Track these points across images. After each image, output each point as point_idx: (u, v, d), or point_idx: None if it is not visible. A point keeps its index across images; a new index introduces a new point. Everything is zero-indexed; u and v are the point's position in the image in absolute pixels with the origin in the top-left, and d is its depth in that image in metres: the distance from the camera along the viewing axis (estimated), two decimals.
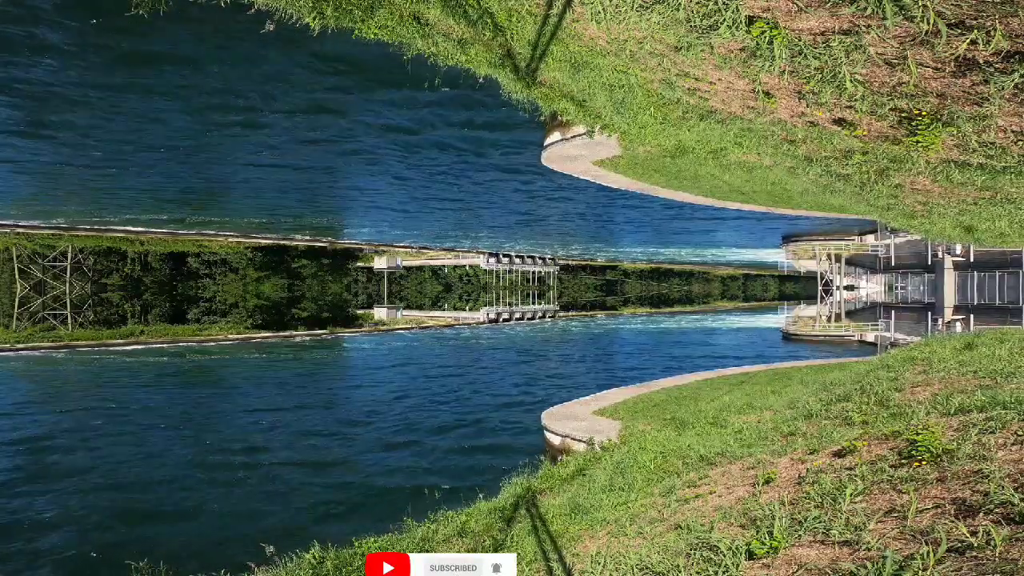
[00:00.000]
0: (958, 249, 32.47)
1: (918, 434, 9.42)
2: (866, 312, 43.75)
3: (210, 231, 42.95)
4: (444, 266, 54.91)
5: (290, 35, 11.07)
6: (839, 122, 9.80)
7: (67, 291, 41.78)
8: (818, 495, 8.74)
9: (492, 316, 53.24)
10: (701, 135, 13.23)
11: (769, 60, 8.06)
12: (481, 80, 12.43)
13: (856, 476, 8.86)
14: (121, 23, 17.96)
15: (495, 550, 11.86)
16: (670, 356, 53.18)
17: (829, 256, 43.33)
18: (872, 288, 44.11)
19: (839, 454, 10.69)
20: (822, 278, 46.03)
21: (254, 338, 46.70)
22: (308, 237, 48.40)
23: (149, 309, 45.48)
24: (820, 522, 7.82)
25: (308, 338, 49.54)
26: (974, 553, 6.13)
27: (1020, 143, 8.51)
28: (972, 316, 31.89)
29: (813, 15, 7.42)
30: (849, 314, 44.51)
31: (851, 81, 7.96)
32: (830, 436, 12.29)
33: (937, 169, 10.59)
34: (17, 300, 40.50)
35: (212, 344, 44.77)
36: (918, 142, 8.77)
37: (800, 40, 7.70)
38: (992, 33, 6.54)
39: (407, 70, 11.97)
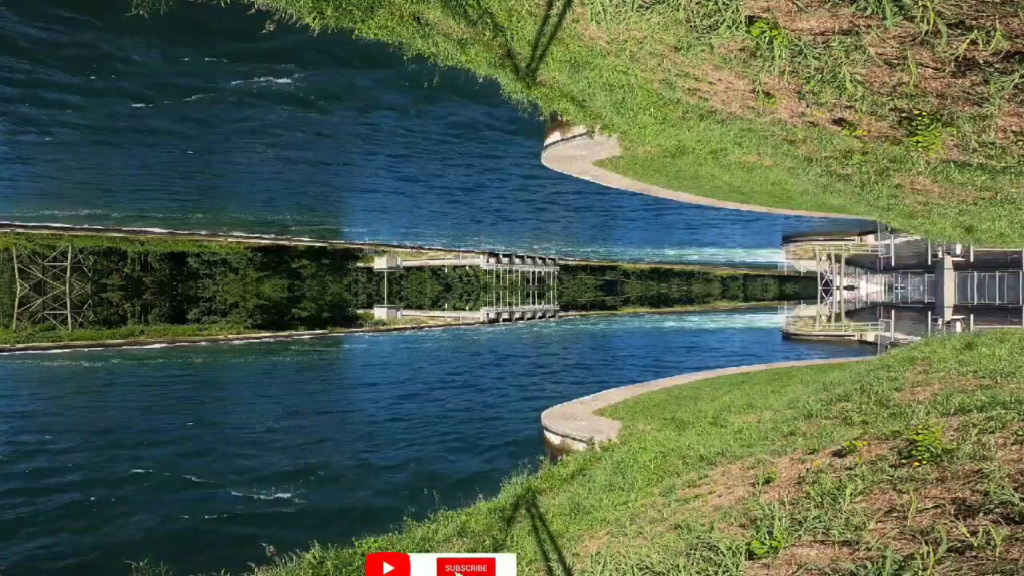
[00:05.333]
0: (958, 249, 32.46)
1: (918, 434, 9.42)
2: (866, 312, 43.74)
3: (210, 231, 42.97)
4: (444, 266, 54.89)
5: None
6: (839, 122, 9.80)
7: (67, 291, 41.76)
8: (818, 495, 8.74)
9: (492, 316, 53.23)
10: (701, 135, 13.23)
11: (769, 60, 8.06)
12: (481, 80, 12.43)
13: (856, 476, 8.86)
14: (119, 20, 17.98)
15: (495, 550, 11.86)
16: (669, 356, 53.21)
17: (829, 256, 43.32)
18: (872, 288, 44.10)
19: (839, 454, 10.69)
20: (822, 278, 46.03)
21: (253, 338, 46.68)
22: (308, 237, 48.39)
23: (149, 309, 45.46)
24: (820, 522, 7.82)
25: (307, 337, 49.51)
26: (974, 553, 6.13)
27: (1020, 143, 8.51)
28: (972, 316, 31.88)
29: (813, 15, 7.42)
30: (849, 314, 44.50)
31: (851, 81, 7.96)
32: (830, 436, 12.29)
33: (937, 169, 10.59)
34: (17, 300, 40.48)
35: (207, 344, 44.77)
36: (918, 142, 8.76)
37: (800, 40, 7.70)
38: (992, 33, 6.54)
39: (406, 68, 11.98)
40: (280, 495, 27.47)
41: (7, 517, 25.17)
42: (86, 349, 40.65)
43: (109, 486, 27.79)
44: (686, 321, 63.11)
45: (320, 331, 50.36)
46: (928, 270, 36.43)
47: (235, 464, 30.48)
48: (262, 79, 23.13)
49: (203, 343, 44.13)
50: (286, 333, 48.65)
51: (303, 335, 49.25)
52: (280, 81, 23.09)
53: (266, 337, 47.12)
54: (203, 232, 42.58)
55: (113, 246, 42.81)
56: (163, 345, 42.81)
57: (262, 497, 27.53)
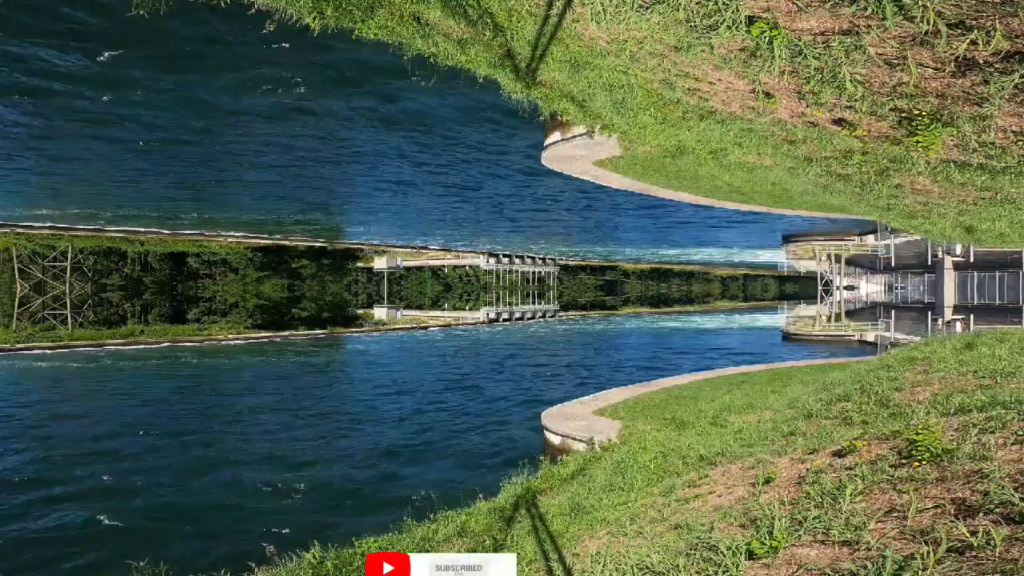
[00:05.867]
0: (958, 249, 32.46)
1: (918, 434, 9.42)
2: (866, 312, 43.74)
3: (210, 231, 42.96)
4: (444, 266, 54.90)
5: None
6: (839, 122, 9.80)
7: (67, 291, 41.76)
8: (818, 495, 8.74)
9: (492, 316, 53.23)
10: (701, 135, 13.22)
11: (769, 60, 8.06)
12: (481, 80, 12.42)
13: (856, 476, 8.86)
14: (122, 19, 17.98)
15: (495, 550, 11.86)
16: (669, 356, 53.21)
17: (829, 256, 43.33)
18: (872, 288, 44.11)
19: (839, 454, 10.69)
20: (822, 278, 46.03)
21: (252, 338, 46.67)
22: (308, 237, 48.39)
23: (149, 309, 45.46)
24: (820, 522, 7.82)
25: (307, 338, 49.48)
26: (974, 553, 6.13)
27: (1020, 143, 8.51)
28: (972, 316, 31.88)
29: (813, 15, 7.42)
30: (849, 314, 44.50)
31: (851, 81, 7.96)
32: (830, 436, 12.30)
33: (937, 169, 10.60)
34: (17, 300, 40.48)
35: (210, 344, 44.71)
36: (918, 142, 8.77)
37: (800, 40, 7.70)
38: (992, 33, 6.55)
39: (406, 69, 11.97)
40: (277, 500, 27.46)
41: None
42: (82, 349, 40.50)
43: (100, 490, 27.72)
44: (686, 321, 63.12)
45: (320, 331, 50.36)
46: (928, 270, 36.44)
47: (231, 466, 30.43)
48: (264, 86, 23.10)
49: (189, 343, 43.96)
50: (286, 333, 48.66)
51: (300, 335, 49.22)
52: (280, 76, 23.05)
53: (260, 337, 47.07)
54: (192, 232, 42.48)
55: (113, 246, 42.80)
56: (151, 346, 42.61)
57: (263, 492, 27.51)
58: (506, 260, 54.06)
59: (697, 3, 7.90)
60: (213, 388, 42.12)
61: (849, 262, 43.42)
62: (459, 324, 54.78)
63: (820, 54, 7.73)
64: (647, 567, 8.52)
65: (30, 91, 22.52)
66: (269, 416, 36.84)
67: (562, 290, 59.32)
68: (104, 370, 41.18)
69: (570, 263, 59.64)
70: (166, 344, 42.83)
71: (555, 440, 23.60)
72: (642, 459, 15.92)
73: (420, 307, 55.23)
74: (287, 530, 24.00)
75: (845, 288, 44.23)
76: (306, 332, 49.62)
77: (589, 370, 48.93)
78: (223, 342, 45.34)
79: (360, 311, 53.81)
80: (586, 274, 61.70)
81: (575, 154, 21.52)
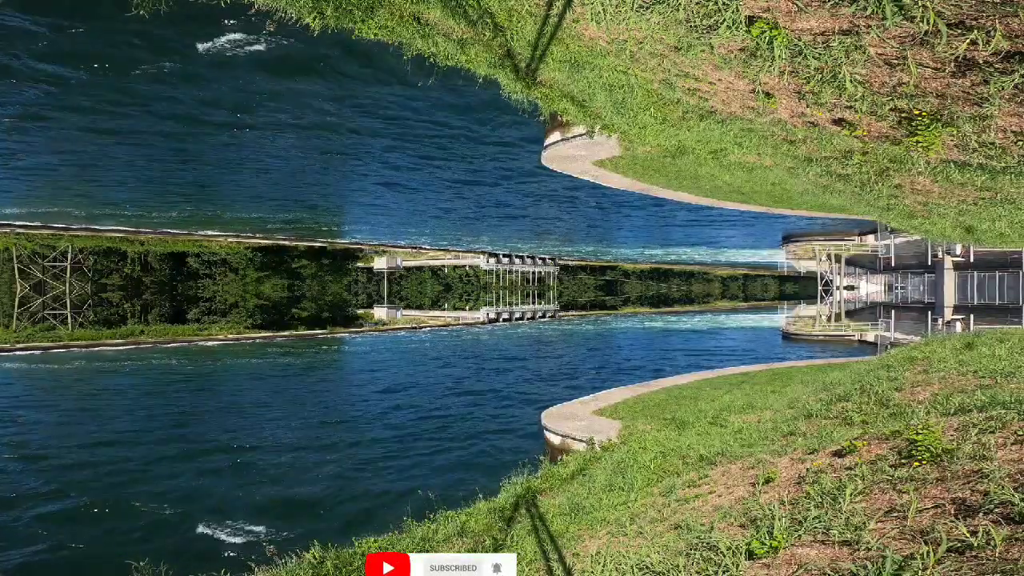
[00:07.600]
0: (958, 249, 32.46)
1: (918, 434, 9.42)
2: (866, 312, 43.75)
3: (210, 231, 42.94)
4: (444, 266, 54.90)
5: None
6: (839, 122, 9.80)
7: (67, 291, 41.74)
8: (818, 495, 8.74)
9: (492, 316, 53.24)
10: (701, 135, 13.22)
11: (769, 60, 8.06)
12: (481, 80, 12.42)
13: (856, 476, 8.86)
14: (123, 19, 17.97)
15: (495, 550, 11.86)
16: (669, 356, 53.22)
17: (829, 256, 43.33)
18: (872, 288, 44.11)
19: (839, 454, 10.69)
20: (822, 278, 46.04)
21: (252, 338, 46.61)
22: (308, 237, 48.38)
23: (149, 309, 45.44)
24: (820, 522, 7.82)
25: (306, 337, 49.41)
26: (974, 553, 6.13)
27: (1020, 143, 8.51)
28: (972, 316, 31.88)
29: (813, 15, 7.42)
30: (849, 314, 44.51)
31: (851, 81, 7.96)
32: (830, 436, 12.30)
33: (937, 169, 10.60)
34: (17, 300, 40.46)
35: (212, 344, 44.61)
36: (918, 142, 8.77)
37: (800, 40, 7.70)
38: (992, 33, 6.55)
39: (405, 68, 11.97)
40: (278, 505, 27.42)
41: None
42: (67, 351, 40.15)
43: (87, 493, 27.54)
44: (685, 321, 63.12)
45: (320, 331, 50.35)
46: (928, 270, 36.43)
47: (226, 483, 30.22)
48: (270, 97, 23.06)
49: (173, 344, 43.60)
50: (286, 333, 48.63)
51: (299, 335, 49.16)
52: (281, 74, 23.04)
53: (258, 337, 46.96)
54: (192, 231, 42.37)
55: (113, 246, 42.78)
56: (131, 347, 42.24)
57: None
58: (506, 260, 54.08)
59: (697, 3, 7.90)
60: (199, 392, 41.86)
61: (849, 262, 43.43)
62: (459, 324, 54.80)
63: (820, 54, 7.73)
64: (647, 567, 8.52)
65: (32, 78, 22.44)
66: (259, 421, 36.65)
67: (562, 290, 59.33)
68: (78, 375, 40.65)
69: (570, 263, 59.65)
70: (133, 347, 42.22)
71: (555, 440, 23.59)
72: (642, 459, 15.92)
73: (420, 307, 55.24)
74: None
75: (845, 288, 44.24)
76: (306, 332, 49.62)
77: (589, 370, 48.92)
78: (220, 342, 45.28)
79: (360, 311, 53.84)
80: (586, 274, 61.70)
81: (575, 154, 21.51)
